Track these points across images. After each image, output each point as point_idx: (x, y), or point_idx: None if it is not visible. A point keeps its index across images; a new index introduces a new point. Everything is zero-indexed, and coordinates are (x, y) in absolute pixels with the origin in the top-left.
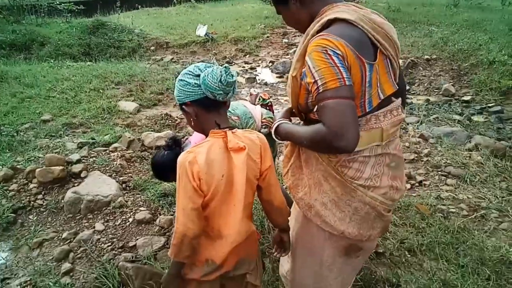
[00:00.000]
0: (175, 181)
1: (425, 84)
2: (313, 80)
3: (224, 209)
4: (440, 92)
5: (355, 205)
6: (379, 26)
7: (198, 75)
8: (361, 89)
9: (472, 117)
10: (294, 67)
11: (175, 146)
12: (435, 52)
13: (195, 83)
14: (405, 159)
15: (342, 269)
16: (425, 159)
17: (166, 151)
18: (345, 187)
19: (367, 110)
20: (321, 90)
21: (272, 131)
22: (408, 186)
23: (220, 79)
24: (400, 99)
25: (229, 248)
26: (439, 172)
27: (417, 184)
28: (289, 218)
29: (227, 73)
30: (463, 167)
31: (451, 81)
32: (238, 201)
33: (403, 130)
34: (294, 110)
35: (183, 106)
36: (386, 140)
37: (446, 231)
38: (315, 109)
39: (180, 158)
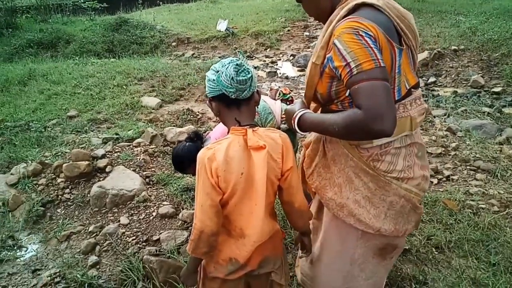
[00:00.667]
0: (193, 174)
1: (453, 76)
2: (344, 63)
3: (245, 208)
4: (469, 84)
5: (390, 199)
6: (403, 16)
7: (218, 71)
8: (391, 75)
9: (503, 109)
10: (318, 55)
11: (197, 139)
12: (463, 42)
13: (213, 79)
14: (431, 153)
15: (375, 270)
16: (453, 153)
17: (187, 143)
18: (378, 182)
19: (396, 98)
20: (355, 72)
21: (295, 122)
22: (435, 181)
23: (233, 77)
24: (419, 89)
25: (252, 248)
26: (468, 167)
27: (444, 179)
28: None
29: (239, 71)
30: (493, 161)
31: (480, 72)
32: (259, 200)
33: (430, 123)
34: (305, 101)
35: (208, 101)
36: (415, 129)
37: (476, 228)
38: (341, 97)
39: (199, 154)
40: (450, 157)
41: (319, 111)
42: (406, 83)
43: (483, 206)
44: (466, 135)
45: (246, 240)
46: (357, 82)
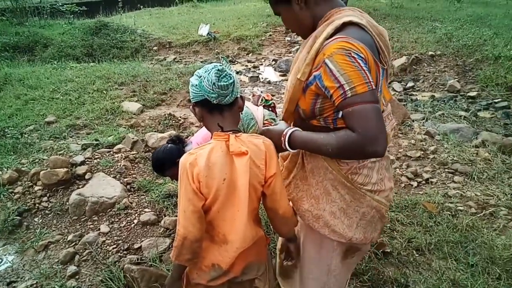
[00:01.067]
0: (172, 177)
1: (430, 81)
2: (337, 85)
3: (228, 214)
4: (445, 88)
5: (363, 210)
6: (380, 33)
7: (201, 76)
8: (377, 94)
9: (478, 113)
10: (303, 71)
11: (178, 142)
12: (439, 48)
13: (196, 85)
14: (411, 157)
15: (340, 271)
16: (431, 156)
17: (169, 145)
18: (354, 194)
19: None
20: (349, 95)
21: (285, 140)
22: (415, 184)
23: (214, 82)
24: (389, 105)
25: (235, 254)
26: (446, 170)
27: (424, 182)
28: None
29: (221, 76)
30: (470, 164)
31: (456, 77)
32: (242, 207)
33: (408, 127)
34: (284, 115)
35: (191, 106)
36: (389, 144)
37: (455, 230)
38: (324, 114)
39: (181, 160)
40: (429, 160)
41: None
42: (384, 100)
43: (461, 208)
44: (444, 139)
45: (229, 246)
46: (351, 105)
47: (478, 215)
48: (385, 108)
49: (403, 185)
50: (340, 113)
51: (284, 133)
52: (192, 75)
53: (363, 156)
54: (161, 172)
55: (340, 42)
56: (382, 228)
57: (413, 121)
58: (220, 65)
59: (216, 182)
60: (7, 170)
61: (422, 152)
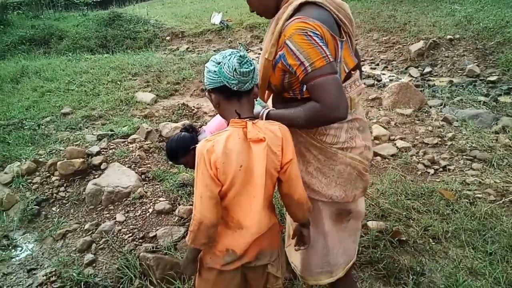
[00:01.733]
0: (186, 165)
1: (448, 65)
2: (298, 62)
3: (244, 200)
4: (464, 73)
5: (338, 168)
6: (340, 7)
7: (220, 63)
8: (336, 63)
9: (498, 98)
10: (270, 51)
11: (191, 130)
12: (458, 31)
13: (214, 71)
14: (428, 144)
15: (340, 236)
16: (449, 143)
17: (183, 133)
18: (326, 153)
19: None
20: (309, 70)
21: (263, 119)
22: (432, 171)
23: (235, 68)
24: (358, 71)
25: (250, 239)
26: (464, 157)
27: (441, 169)
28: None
29: (242, 63)
30: (489, 151)
31: (476, 61)
32: (258, 193)
33: (426, 114)
34: (260, 90)
35: (207, 92)
36: (354, 107)
37: (473, 218)
38: (293, 87)
39: (198, 146)
40: (447, 147)
41: (270, 97)
42: (345, 67)
43: (479, 195)
44: (462, 125)
45: (244, 231)
46: (312, 79)
47: (497, 203)
48: (353, 74)
49: (419, 172)
50: (305, 86)
51: (260, 114)
52: (206, 63)
53: (328, 122)
54: (175, 160)
55: (298, 23)
56: (365, 187)
57: (430, 107)
58: (239, 52)
59: (233, 169)
60: (26, 161)
61: (439, 139)
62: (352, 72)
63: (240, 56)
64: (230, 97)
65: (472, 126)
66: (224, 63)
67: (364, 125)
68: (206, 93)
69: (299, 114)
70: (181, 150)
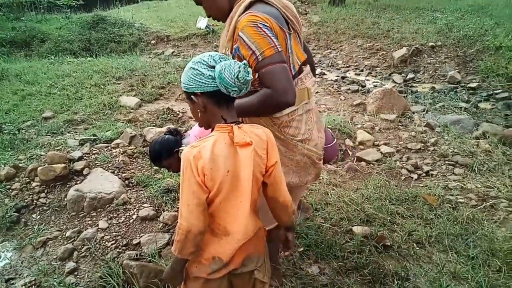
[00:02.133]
0: (168, 168)
1: (430, 72)
2: (250, 52)
3: (231, 206)
4: (446, 80)
5: (296, 158)
6: (287, 6)
7: (213, 67)
8: (287, 55)
9: (479, 105)
10: (226, 46)
11: (176, 134)
12: (440, 38)
13: (209, 75)
14: (411, 149)
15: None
16: (431, 148)
17: (167, 136)
18: (288, 145)
19: (293, 74)
20: (260, 59)
21: None
22: (415, 176)
23: (238, 75)
24: (308, 65)
25: (237, 245)
26: (447, 162)
27: (424, 174)
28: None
29: (245, 70)
30: (470, 156)
31: (457, 68)
32: (245, 198)
33: (409, 119)
34: None
35: (192, 96)
36: (311, 97)
37: (455, 222)
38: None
39: (184, 153)
40: (429, 152)
41: None
42: (298, 60)
43: (461, 200)
44: (444, 131)
45: (230, 238)
46: (263, 66)
47: (479, 207)
48: (304, 69)
49: (403, 177)
50: (257, 74)
51: None
52: (190, 65)
53: (278, 108)
54: (158, 163)
55: (249, 16)
56: (317, 174)
57: (413, 113)
58: (227, 56)
59: (221, 174)
60: (4, 166)
61: (422, 144)
62: (303, 66)
63: (245, 64)
64: (220, 102)
65: (454, 132)
66: (224, 69)
67: (318, 116)
68: (191, 96)
69: (252, 102)
70: (165, 153)
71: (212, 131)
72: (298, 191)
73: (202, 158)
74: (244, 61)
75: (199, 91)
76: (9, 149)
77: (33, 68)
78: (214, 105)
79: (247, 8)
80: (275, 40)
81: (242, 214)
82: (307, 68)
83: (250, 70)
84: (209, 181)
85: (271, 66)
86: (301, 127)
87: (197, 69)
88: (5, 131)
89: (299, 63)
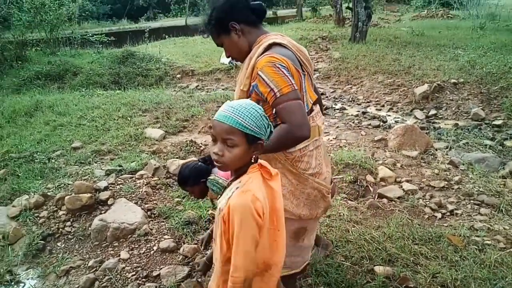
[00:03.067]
0: (190, 193)
1: (453, 108)
2: (269, 89)
3: (267, 238)
4: (469, 117)
5: (307, 191)
6: (300, 50)
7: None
8: (301, 93)
9: (504, 142)
10: (244, 83)
11: (209, 163)
12: (462, 75)
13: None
14: (434, 187)
15: (295, 251)
16: (456, 187)
17: (200, 163)
18: (299, 178)
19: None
20: (278, 96)
21: None
22: (439, 215)
23: (270, 123)
24: (317, 105)
25: (278, 276)
26: (472, 201)
27: (448, 214)
28: None
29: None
30: (497, 196)
31: (480, 105)
32: (282, 226)
33: (432, 156)
34: None
35: (257, 142)
36: (321, 134)
37: (482, 265)
38: (267, 115)
39: (237, 202)
40: (454, 191)
41: None
42: (310, 100)
43: (488, 242)
44: (468, 169)
45: (273, 269)
46: (280, 102)
47: (508, 251)
48: (314, 108)
49: (426, 216)
50: (274, 109)
51: None
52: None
53: (296, 141)
54: (182, 186)
55: (267, 57)
56: (326, 207)
57: (436, 150)
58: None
59: (267, 211)
60: (34, 194)
61: (446, 182)
62: (313, 106)
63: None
64: (253, 145)
65: (479, 170)
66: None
67: (325, 150)
68: (257, 143)
69: (271, 137)
70: (192, 180)
71: (233, 171)
72: (311, 226)
73: (259, 200)
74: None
75: (264, 137)
76: (39, 177)
77: (65, 100)
78: (249, 146)
79: (266, 49)
80: (291, 79)
81: (281, 242)
82: (317, 108)
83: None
84: (265, 220)
85: (288, 102)
86: (312, 162)
87: (258, 117)
88: (36, 160)
89: (311, 102)
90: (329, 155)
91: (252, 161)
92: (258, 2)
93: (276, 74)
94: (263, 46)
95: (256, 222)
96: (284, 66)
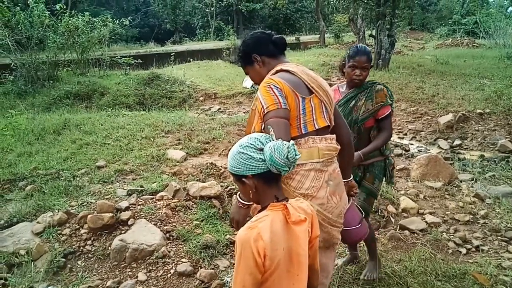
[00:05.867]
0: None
1: (479, 139)
2: (261, 106)
3: (286, 282)
4: (496, 148)
5: None
6: (314, 78)
7: (261, 149)
8: (296, 113)
9: None
10: (254, 103)
11: None
12: (488, 106)
13: (259, 158)
14: (459, 220)
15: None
16: (481, 221)
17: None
18: (289, 196)
19: (303, 132)
20: (265, 112)
21: None
22: (464, 251)
23: (287, 156)
24: (334, 135)
25: None
26: (499, 237)
27: (473, 249)
28: None
29: (294, 149)
30: None
31: (508, 136)
32: (302, 272)
33: (456, 188)
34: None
35: (243, 179)
36: (323, 158)
37: None
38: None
39: (242, 235)
40: (479, 225)
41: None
42: (315, 123)
43: None
44: (495, 203)
45: None
46: (267, 119)
47: None
48: (325, 134)
49: (450, 251)
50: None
51: None
52: (237, 150)
53: None
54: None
55: (267, 80)
56: (325, 239)
57: (461, 181)
58: (270, 137)
59: (279, 253)
60: (58, 211)
61: (471, 216)
62: (325, 133)
63: (292, 143)
64: (270, 181)
65: (507, 205)
66: (274, 150)
67: (337, 181)
68: (242, 179)
69: None
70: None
71: (261, 208)
72: (327, 261)
73: (263, 239)
74: (292, 142)
75: (251, 173)
76: (64, 195)
77: (92, 119)
78: (265, 184)
79: (272, 75)
80: (280, 99)
81: (300, 286)
82: (329, 135)
83: (296, 148)
84: (268, 261)
85: (271, 119)
86: (305, 182)
87: (247, 153)
88: (62, 178)
89: (317, 127)
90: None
91: (275, 200)
92: (280, 36)
93: (267, 93)
94: (271, 72)
95: (255, 262)
96: (277, 87)
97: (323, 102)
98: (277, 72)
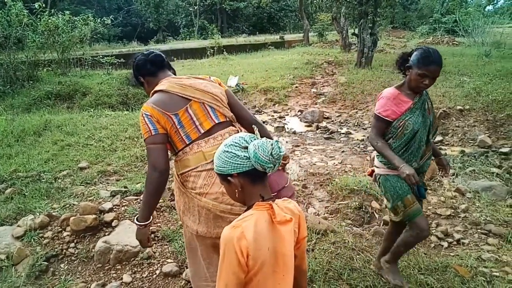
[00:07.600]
0: None
1: (459, 135)
2: (142, 133)
3: (271, 282)
4: (476, 143)
5: (197, 209)
6: (187, 85)
7: (246, 147)
8: (174, 130)
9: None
10: None
11: None
12: (468, 102)
13: (244, 156)
14: (441, 215)
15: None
16: (462, 215)
17: None
18: (187, 197)
19: (187, 142)
20: (144, 138)
21: None
22: (445, 244)
23: (271, 152)
24: (228, 128)
25: None
26: (479, 230)
27: (455, 243)
28: None
29: (278, 146)
30: (505, 225)
31: (487, 132)
32: (289, 272)
33: (438, 183)
34: None
35: (228, 178)
36: (210, 158)
37: None
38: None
39: (225, 234)
40: (460, 219)
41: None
42: (199, 129)
43: (496, 274)
44: (475, 197)
45: None
46: (146, 144)
47: None
48: (218, 131)
49: (433, 245)
50: None
51: None
52: (223, 149)
53: (156, 182)
54: None
55: (142, 107)
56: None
57: (442, 177)
58: (255, 136)
59: (263, 253)
60: (39, 214)
61: (452, 211)
62: (218, 131)
63: (276, 140)
64: (255, 180)
65: (486, 199)
66: (258, 147)
67: None
68: (227, 178)
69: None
70: None
71: (247, 207)
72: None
73: (246, 238)
74: (276, 138)
75: (235, 172)
76: (45, 197)
77: (73, 119)
78: (250, 183)
79: (152, 95)
80: (151, 126)
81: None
82: (218, 133)
83: (282, 145)
84: (251, 261)
85: (147, 146)
86: (198, 182)
87: (231, 152)
88: (43, 180)
89: (202, 131)
90: (334, 180)
91: (261, 199)
92: (155, 54)
93: (142, 122)
94: (152, 92)
95: (238, 261)
96: (147, 115)
97: (204, 103)
98: (154, 93)
